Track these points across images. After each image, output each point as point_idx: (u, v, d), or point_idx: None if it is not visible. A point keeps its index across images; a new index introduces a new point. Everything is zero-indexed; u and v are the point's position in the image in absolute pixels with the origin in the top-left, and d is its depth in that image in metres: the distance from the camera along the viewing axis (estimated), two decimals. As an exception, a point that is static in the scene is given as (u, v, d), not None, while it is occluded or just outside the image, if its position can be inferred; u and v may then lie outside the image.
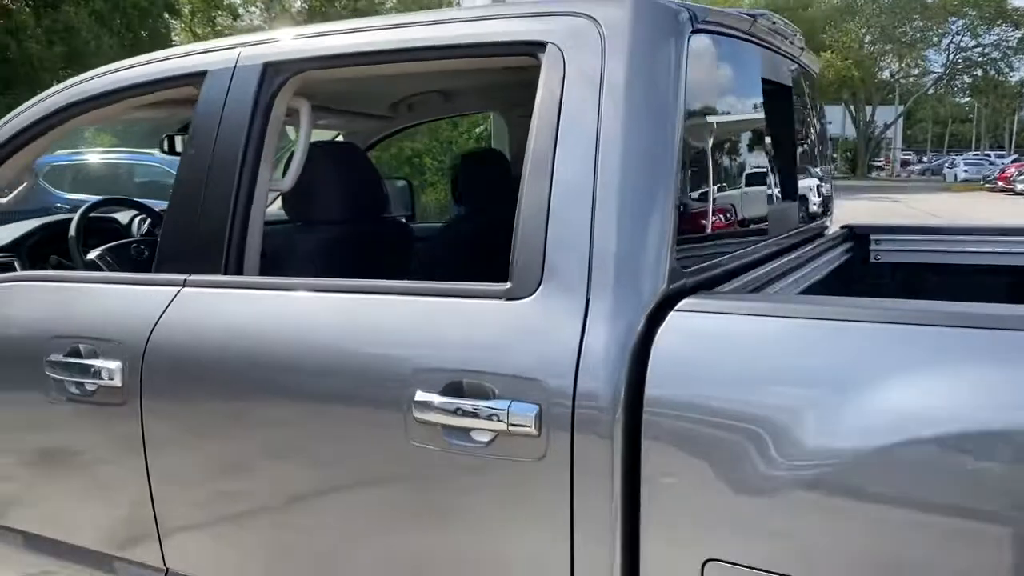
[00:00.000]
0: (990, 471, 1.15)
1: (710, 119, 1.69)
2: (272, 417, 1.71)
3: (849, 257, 2.74)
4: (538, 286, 1.50)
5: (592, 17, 1.56)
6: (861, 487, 1.21)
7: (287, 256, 2.27)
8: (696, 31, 1.58)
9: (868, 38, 43.92)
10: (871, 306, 1.39)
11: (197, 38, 33.58)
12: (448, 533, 1.56)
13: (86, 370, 1.89)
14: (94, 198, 2.99)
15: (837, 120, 55.63)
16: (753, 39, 1.89)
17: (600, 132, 1.50)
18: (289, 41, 1.95)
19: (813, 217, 2.53)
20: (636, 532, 1.38)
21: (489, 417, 1.46)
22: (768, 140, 2.00)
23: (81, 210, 2.75)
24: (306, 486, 1.71)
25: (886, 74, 48.49)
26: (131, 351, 1.85)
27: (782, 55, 2.16)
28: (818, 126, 2.67)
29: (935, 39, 44.45)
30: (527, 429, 1.43)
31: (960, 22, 42.54)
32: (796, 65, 2.31)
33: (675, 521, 1.35)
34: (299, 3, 34.35)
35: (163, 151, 2.63)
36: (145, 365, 1.83)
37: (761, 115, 1.94)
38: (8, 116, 2.33)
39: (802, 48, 2.34)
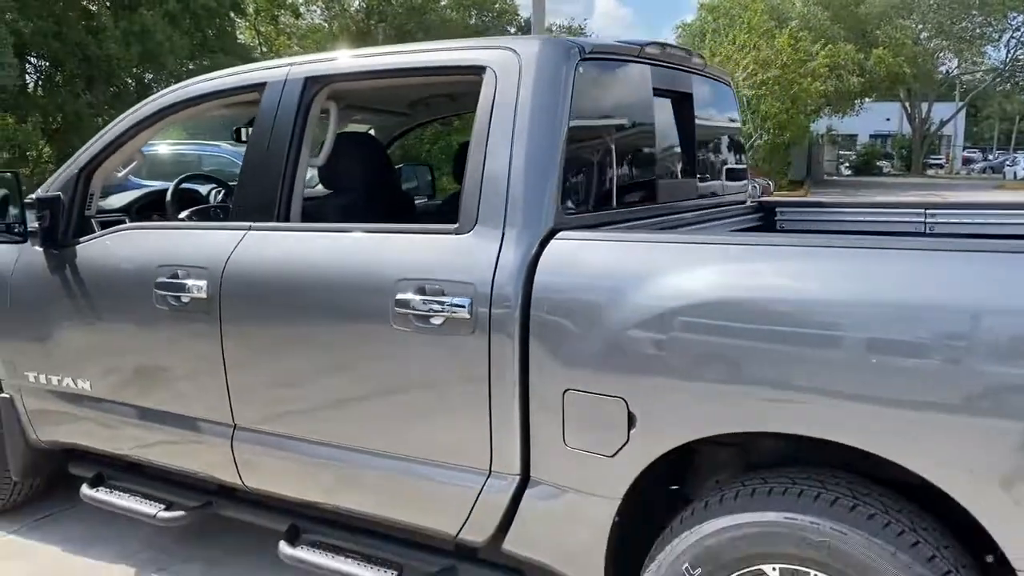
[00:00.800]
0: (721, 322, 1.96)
1: (592, 118, 2.51)
2: (305, 313, 2.58)
3: (760, 224, 3.53)
4: (474, 226, 2.34)
5: (515, 51, 2.40)
6: (619, 338, 2.04)
7: (320, 212, 3.15)
8: (583, 59, 2.40)
9: (924, 34, 43.54)
10: (666, 236, 2.22)
11: (260, 35, 35.04)
12: (415, 382, 2.40)
13: (182, 287, 2.79)
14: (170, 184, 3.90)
15: (894, 117, 55.12)
16: (638, 60, 2.70)
17: (515, 126, 2.33)
18: (322, 63, 2.82)
19: (715, 193, 3.32)
20: (527, 373, 2.21)
21: (441, 308, 2.30)
22: (655, 132, 2.81)
23: (175, 181, 3.68)
24: (327, 358, 2.58)
25: (943, 70, 47.91)
26: (214, 274, 2.73)
27: (677, 70, 2.96)
28: (726, 122, 3.45)
29: (995, 35, 43.85)
30: (463, 314, 2.27)
31: (1020, 17, 41.93)
32: (697, 76, 3.11)
33: (547, 366, 2.18)
34: (357, 2, 35.49)
35: (234, 140, 3.50)
36: (223, 283, 2.71)
37: (644, 114, 2.74)
38: (124, 114, 3.25)
39: (704, 64, 3.14)
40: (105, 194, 3.59)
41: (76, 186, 3.23)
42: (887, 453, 1.81)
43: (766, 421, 1.93)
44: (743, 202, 3.58)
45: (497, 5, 44.46)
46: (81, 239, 3.16)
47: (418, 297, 2.34)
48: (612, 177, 2.60)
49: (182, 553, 3.37)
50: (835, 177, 46.13)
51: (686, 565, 2.03)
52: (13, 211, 3.22)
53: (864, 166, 49.46)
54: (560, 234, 2.25)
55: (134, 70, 20.01)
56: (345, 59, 2.80)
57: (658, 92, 2.83)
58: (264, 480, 2.81)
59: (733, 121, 3.57)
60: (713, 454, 2.25)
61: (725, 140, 3.48)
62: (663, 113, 2.90)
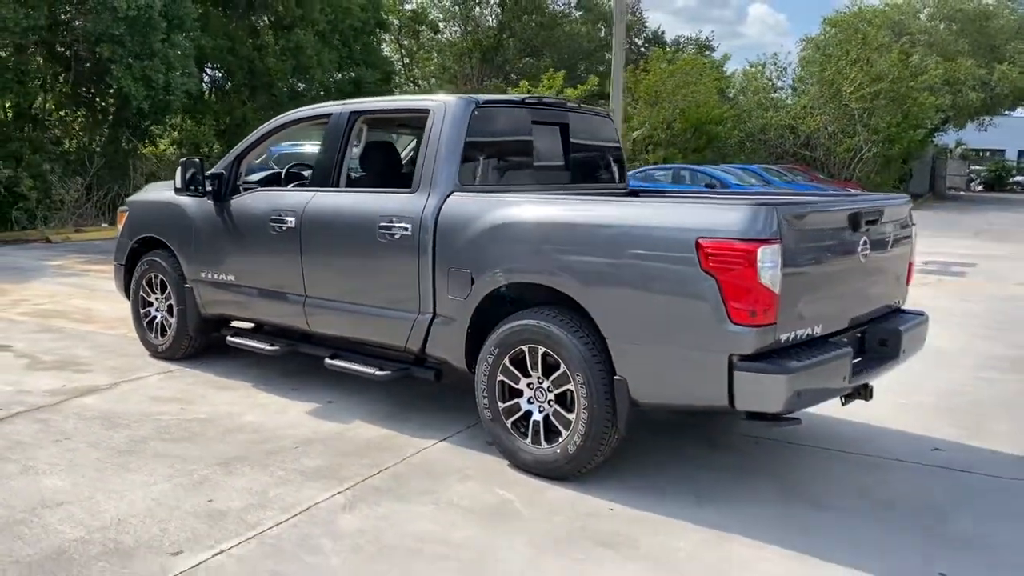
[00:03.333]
0: (536, 237, 4.24)
1: (480, 137, 4.81)
2: (339, 234, 5.02)
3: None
4: (417, 189, 4.71)
5: (443, 102, 4.76)
6: (468, 242, 4.35)
7: (355, 183, 5.58)
8: (477, 107, 4.73)
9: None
10: (494, 196, 4.52)
11: (403, 48, 38.49)
12: (385, 268, 4.79)
13: (283, 221, 5.28)
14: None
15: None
16: (520, 106, 5.00)
17: (440, 140, 4.68)
18: (359, 104, 5.25)
19: (591, 181, 5.55)
20: (434, 261, 4.55)
21: (400, 228, 4.68)
22: (534, 145, 5.07)
23: (287, 167, 6.26)
24: (348, 257, 5.00)
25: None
26: (298, 214, 5.22)
27: (555, 110, 5.24)
28: (601, 141, 5.66)
29: None
30: (407, 232, 4.64)
31: None
32: (573, 113, 5.36)
33: (442, 257, 4.50)
34: (490, 19, 38.40)
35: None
36: (303, 219, 5.19)
37: (523, 135, 5.02)
38: (263, 125, 5.81)
39: (579, 105, 5.40)
40: (250, 172, 6.19)
41: (232, 167, 5.80)
42: (566, 291, 4.05)
43: (522, 275, 4.20)
44: (623, 188, 5.78)
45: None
46: (233, 196, 5.73)
47: (388, 224, 4.73)
48: (492, 167, 4.91)
49: (285, 380, 5.88)
50: (961, 192, 45.47)
51: (492, 347, 4.32)
52: (199, 179, 5.81)
53: (997, 182, 48.43)
54: (454, 194, 4.58)
55: (289, 80, 23.38)
56: (369, 103, 5.25)
57: (539, 123, 5.12)
58: (318, 325, 5.28)
59: (608, 140, 5.76)
60: (506, 295, 4.47)
61: (601, 151, 5.70)
62: (545, 134, 5.17)
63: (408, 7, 35.04)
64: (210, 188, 5.74)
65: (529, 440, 4.24)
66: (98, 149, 18.62)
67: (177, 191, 5.80)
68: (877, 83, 31.25)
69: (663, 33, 48.93)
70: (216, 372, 6.06)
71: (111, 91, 17.39)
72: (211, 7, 21.29)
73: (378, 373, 4.92)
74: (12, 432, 4.75)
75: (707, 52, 46.08)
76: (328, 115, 5.39)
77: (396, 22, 34.83)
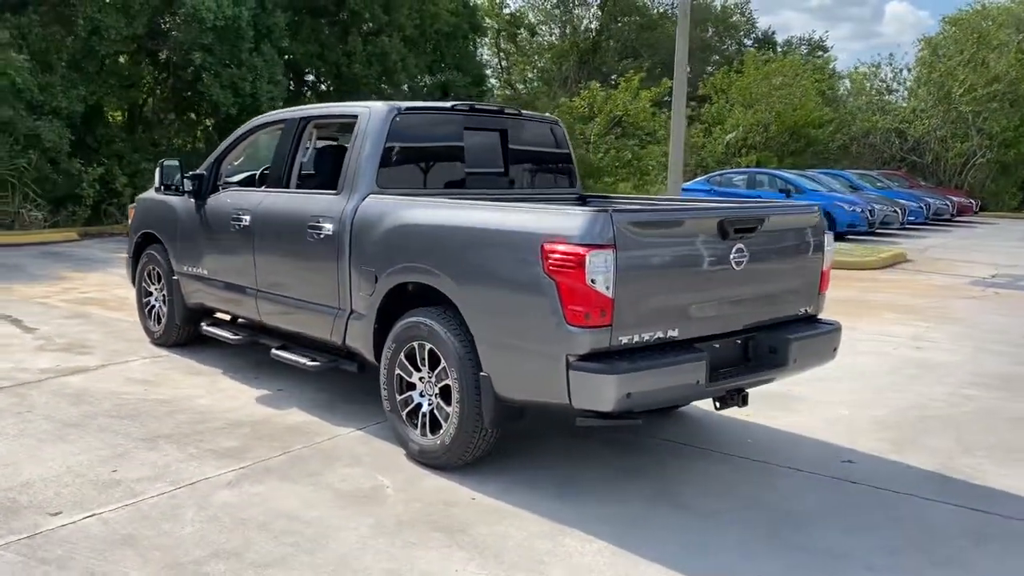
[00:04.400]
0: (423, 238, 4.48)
1: (401, 143, 5.05)
2: (280, 231, 5.37)
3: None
4: (340, 191, 5.00)
5: (369, 109, 5.04)
6: (374, 242, 4.61)
7: (303, 184, 5.92)
8: (399, 114, 4.98)
9: None
10: (401, 197, 4.76)
11: (501, 52, 39.04)
12: (313, 265, 5.11)
13: (240, 220, 5.69)
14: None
15: None
16: (448, 113, 5.22)
17: (364, 143, 4.96)
18: (308, 111, 5.60)
19: (534, 186, 5.71)
20: (350, 260, 4.83)
21: (323, 229, 4.99)
22: (464, 151, 5.28)
23: (262, 168, 6.70)
24: (285, 254, 5.35)
25: None
26: (252, 213, 5.61)
27: (492, 116, 5.43)
28: (547, 148, 5.80)
29: None
30: (330, 232, 4.95)
31: None
32: (513, 119, 5.54)
33: (355, 256, 4.78)
34: (587, 23, 38.47)
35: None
36: (255, 218, 5.58)
37: (453, 141, 5.23)
38: (237, 129, 6.24)
39: (519, 112, 5.58)
40: (232, 173, 6.65)
41: (212, 168, 6.26)
42: (443, 290, 4.25)
43: (411, 275, 4.43)
44: (572, 194, 5.91)
45: (733, 19, 45.50)
46: (211, 195, 6.19)
47: (316, 223, 5.04)
48: (415, 171, 5.15)
49: (252, 369, 6.29)
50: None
51: (390, 343, 4.57)
52: (180, 180, 6.29)
53: None
54: (370, 196, 4.86)
55: (382, 86, 24.17)
56: (315, 109, 5.59)
57: (473, 129, 5.33)
58: (267, 317, 5.65)
59: (555, 147, 5.89)
60: (405, 294, 4.67)
61: (547, 158, 5.85)
62: (480, 140, 5.38)
63: (506, 11, 35.53)
64: (189, 188, 6.21)
65: (419, 431, 4.47)
66: (190, 149, 19.82)
67: (156, 190, 6.30)
68: (992, 84, 29.65)
69: (773, 34, 47.80)
70: (197, 359, 6.54)
71: (204, 97, 18.49)
72: (304, 15, 22.28)
73: (309, 364, 5.24)
74: (-14, 403, 5.32)
75: (819, 53, 44.74)
76: (283, 120, 5.76)
77: (494, 26, 35.40)
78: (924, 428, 5.42)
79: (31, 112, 15.62)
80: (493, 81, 38.79)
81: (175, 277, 6.55)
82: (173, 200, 6.50)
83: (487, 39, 34.85)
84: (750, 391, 4.40)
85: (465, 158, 5.35)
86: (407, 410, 4.55)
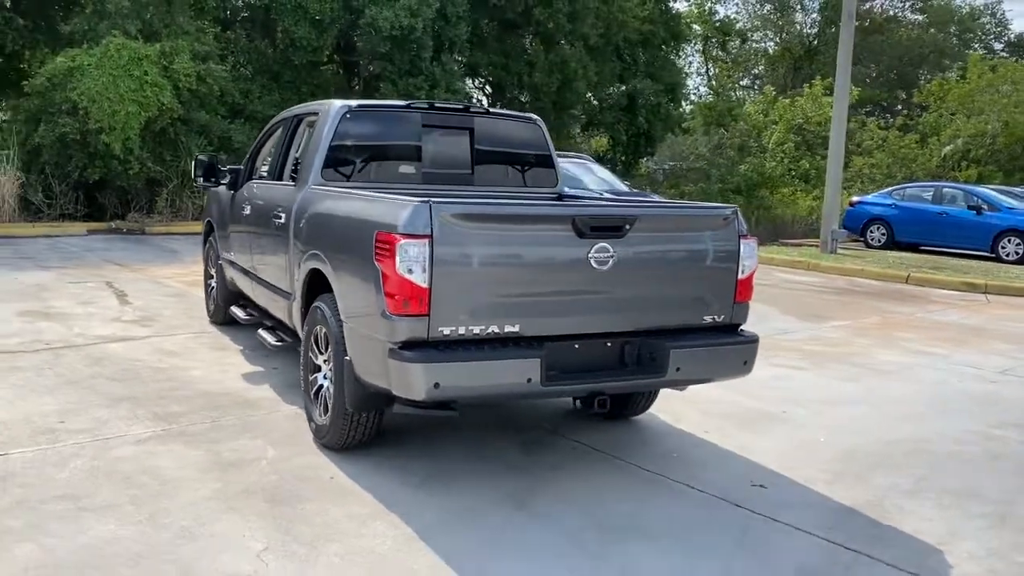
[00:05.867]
0: (319, 227, 4.74)
1: (348, 140, 5.28)
2: (260, 225, 5.80)
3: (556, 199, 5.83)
4: (296, 183, 5.34)
5: (327, 106, 5.34)
6: (307, 228, 4.88)
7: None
8: (348, 112, 5.23)
9: None
10: (333, 189, 5.00)
11: (710, 59, 38.12)
12: (275, 250, 5.48)
13: (246, 208, 6.19)
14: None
15: None
16: (403, 111, 5.39)
17: (317, 138, 5.26)
18: (297, 109, 5.98)
19: (502, 185, 5.73)
20: (296, 244, 5.16)
21: (281, 217, 5.35)
22: (423, 148, 5.42)
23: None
24: (261, 238, 5.77)
25: None
26: (252, 203, 6.10)
27: (456, 114, 5.54)
28: (520, 147, 5.80)
29: None
30: (283, 220, 5.30)
31: None
32: (483, 117, 5.61)
33: (298, 240, 5.09)
34: (803, 28, 36.58)
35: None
36: (253, 207, 6.06)
37: (408, 138, 5.39)
38: (260, 133, 6.78)
39: (486, 110, 5.63)
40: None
41: (248, 161, 6.84)
42: (327, 277, 4.44)
43: (313, 262, 4.66)
44: (551, 192, 5.87)
45: (980, 20, 41.65)
46: (243, 186, 6.77)
47: (277, 213, 5.41)
48: (363, 166, 5.36)
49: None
50: None
51: (304, 326, 4.83)
52: (216, 172, 6.92)
53: None
54: (312, 186, 5.14)
55: (567, 95, 24.47)
56: (304, 108, 5.96)
57: (433, 127, 5.47)
58: (257, 299, 6.11)
59: (531, 145, 5.84)
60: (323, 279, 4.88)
61: (520, 156, 5.83)
62: (442, 138, 5.51)
63: (715, 18, 34.64)
64: (226, 180, 6.83)
65: (319, 411, 4.69)
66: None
67: (194, 182, 6.98)
68: None
69: (1031, 36, 42.92)
70: (232, 337, 7.16)
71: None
72: (491, 26, 23.14)
73: (271, 343, 5.63)
74: (20, 359, 6.18)
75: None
76: (284, 118, 6.20)
77: (702, 32, 34.66)
78: (893, 464, 4.86)
79: (232, 116, 17.48)
80: (703, 89, 38.06)
81: (220, 261, 7.21)
82: (222, 192, 7.16)
83: (692, 46, 34.21)
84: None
85: (423, 156, 5.50)
86: (314, 390, 4.78)
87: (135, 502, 3.85)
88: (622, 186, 15.06)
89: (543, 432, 5.10)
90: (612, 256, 3.99)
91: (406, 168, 5.51)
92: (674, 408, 5.63)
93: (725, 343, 4.34)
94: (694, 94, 37.28)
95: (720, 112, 28.59)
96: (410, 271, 3.67)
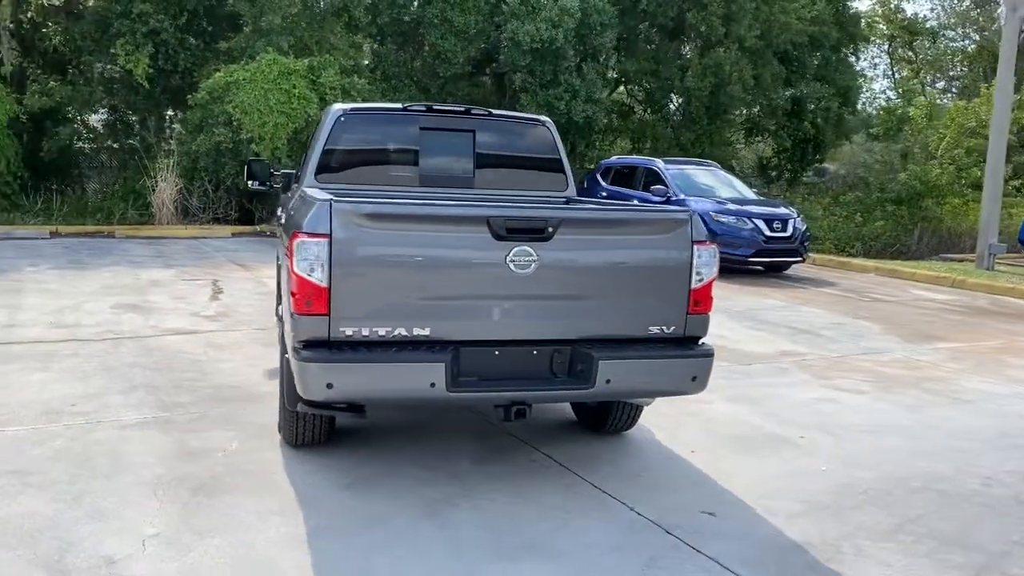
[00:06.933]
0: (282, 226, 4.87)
1: (346, 142, 5.36)
2: (280, 220, 6.03)
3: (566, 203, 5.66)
4: (301, 183, 5.48)
5: (330, 108, 5.46)
6: (281, 226, 5.01)
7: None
8: (344, 115, 5.33)
9: None
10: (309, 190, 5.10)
11: (901, 62, 35.55)
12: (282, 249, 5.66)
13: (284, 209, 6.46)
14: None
15: None
16: (399, 113, 5.40)
17: (317, 141, 5.40)
18: (340, 106, 6.15)
19: (506, 187, 5.61)
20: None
21: (282, 219, 5.53)
22: (420, 150, 5.42)
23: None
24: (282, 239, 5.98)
25: None
26: (285, 205, 6.34)
27: (456, 117, 5.49)
28: (526, 151, 5.65)
29: None
30: (282, 224, 5.47)
31: None
32: (485, 120, 5.53)
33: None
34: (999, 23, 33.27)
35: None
36: (285, 208, 6.30)
37: (405, 141, 5.40)
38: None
39: (488, 112, 5.54)
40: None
41: (299, 166, 7.12)
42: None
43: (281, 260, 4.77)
44: (560, 196, 5.69)
45: None
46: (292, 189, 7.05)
47: (280, 214, 5.59)
48: (356, 167, 5.41)
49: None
50: None
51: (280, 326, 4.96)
52: (265, 176, 7.23)
53: None
54: (304, 189, 5.26)
55: (720, 99, 23.65)
56: (340, 104, 6.10)
57: (432, 129, 5.46)
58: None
59: (538, 149, 5.67)
60: None
61: (527, 159, 5.68)
62: (441, 140, 5.48)
63: (902, 16, 32.28)
64: (279, 183, 7.13)
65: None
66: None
67: (247, 183, 7.33)
68: None
69: None
70: (285, 334, 7.45)
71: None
72: (641, 31, 22.79)
73: None
74: (84, 347, 6.73)
75: None
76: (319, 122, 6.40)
77: (887, 32, 32.43)
78: (889, 501, 4.32)
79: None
80: (891, 93, 35.57)
81: (279, 263, 7.52)
82: (282, 195, 7.49)
83: (879, 47, 32.09)
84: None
85: (420, 159, 5.49)
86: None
87: (75, 481, 4.09)
88: (750, 193, 14.38)
89: (514, 441, 4.95)
90: (535, 260, 3.81)
91: (402, 171, 5.53)
92: (674, 425, 5.30)
93: (665, 356, 4.03)
94: (880, 97, 35.03)
95: (901, 117, 26.62)
96: (311, 270, 3.68)
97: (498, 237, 3.78)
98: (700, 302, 4.11)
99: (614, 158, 17.05)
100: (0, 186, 16.65)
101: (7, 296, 8.72)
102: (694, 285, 4.08)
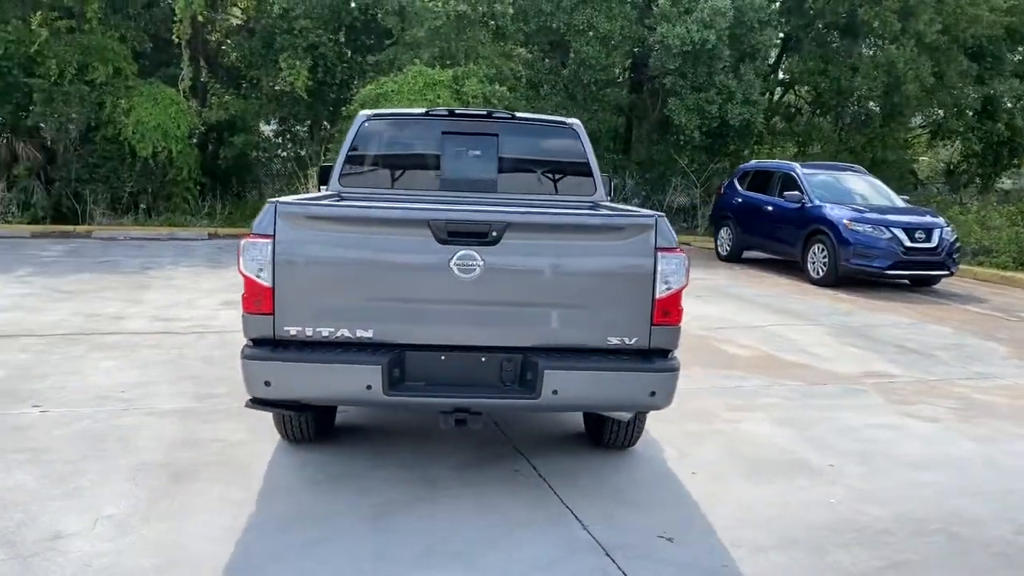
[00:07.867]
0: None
1: (368, 147, 5.44)
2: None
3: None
4: (329, 188, 5.64)
5: (359, 114, 5.58)
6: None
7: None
8: (368, 120, 5.43)
9: None
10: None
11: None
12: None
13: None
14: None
15: None
16: (420, 118, 5.42)
17: (343, 145, 5.54)
18: (370, 111, 6.28)
19: (530, 192, 5.49)
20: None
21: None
22: (442, 154, 5.41)
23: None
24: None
25: None
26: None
27: (479, 120, 5.45)
28: (552, 155, 5.50)
29: None
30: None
31: None
32: (509, 123, 5.45)
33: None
34: None
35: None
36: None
37: (426, 145, 5.41)
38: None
39: (512, 116, 5.45)
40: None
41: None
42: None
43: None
44: (590, 199, 5.51)
45: None
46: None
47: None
48: (379, 171, 5.47)
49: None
50: None
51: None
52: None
53: None
54: (331, 190, 5.41)
55: (894, 100, 22.01)
56: (366, 111, 6.23)
57: (453, 133, 5.45)
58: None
59: (565, 153, 5.48)
60: None
61: (552, 164, 5.52)
62: (464, 145, 5.46)
63: None
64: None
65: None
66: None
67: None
68: None
69: None
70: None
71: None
72: (810, 29, 21.65)
73: None
74: (168, 339, 7.22)
75: None
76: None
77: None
78: (887, 541, 3.85)
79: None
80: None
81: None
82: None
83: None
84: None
85: (442, 163, 5.49)
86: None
87: (70, 461, 4.42)
88: (898, 201, 13.27)
89: (511, 450, 4.83)
90: (480, 264, 3.72)
91: (424, 176, 5.56)
92: (693, 443, 5.01)
93: (618, 368, 3.79)
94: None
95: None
96: (260, 270, 3.77)
97: (441, 240, 3.72)
98: (669, 312, 3.86)
99: (752, 162, 16.28)
100: (181, 192, 18.24)
101: (133, 291, 9.52)
102: (660, 295, 3.82)
